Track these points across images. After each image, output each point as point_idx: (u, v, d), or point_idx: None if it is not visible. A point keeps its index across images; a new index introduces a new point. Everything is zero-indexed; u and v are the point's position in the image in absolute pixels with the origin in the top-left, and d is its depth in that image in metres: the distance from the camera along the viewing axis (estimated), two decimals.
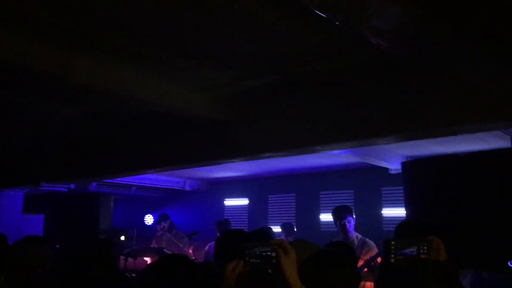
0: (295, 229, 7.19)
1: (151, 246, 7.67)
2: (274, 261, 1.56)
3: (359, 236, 5.26)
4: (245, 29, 3.07)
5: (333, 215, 5.32)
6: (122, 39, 3.29)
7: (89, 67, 3.55)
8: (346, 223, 5.13)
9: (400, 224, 2.60)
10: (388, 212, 7.23)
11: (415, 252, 1.79)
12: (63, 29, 3.12)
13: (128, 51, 3.49)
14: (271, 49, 3.42)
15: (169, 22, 3.02)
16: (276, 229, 7.04)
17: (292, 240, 6.64)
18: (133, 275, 5.72)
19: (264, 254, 1.57)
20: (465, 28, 2.81)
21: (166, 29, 3.12)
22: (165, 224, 7.90)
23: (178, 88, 4.18)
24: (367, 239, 5.24)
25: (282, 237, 6.75)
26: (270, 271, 1.66)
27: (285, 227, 6.88)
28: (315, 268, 1.81)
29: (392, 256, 1.75)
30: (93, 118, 5.23)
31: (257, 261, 1.56)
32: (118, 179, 7.88)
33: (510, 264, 3.29)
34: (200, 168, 7.02)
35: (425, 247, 1.81)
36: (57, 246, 7.13)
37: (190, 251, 7.43)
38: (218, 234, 6.59)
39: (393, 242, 1.77)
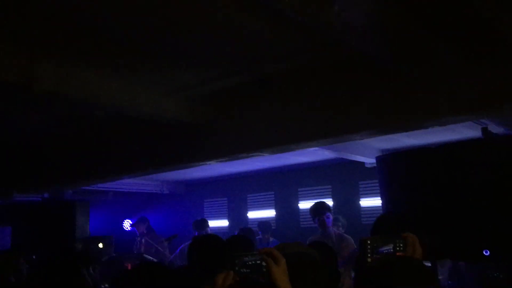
0: (273, 227, 7.19)
1: (132, 251, 7.57)
2: (264, 270, 1.54)
3: (336, 231, 5.32)
4: (214, 30, 3.03)
5: (311, 212, 5.35)
6: (88, 42, 3.21)
7: (53, 73, 3.45)
8: (325, 219, 5.17)
9: (378, 220, 2.58)
10: (366, 203, 7.28)
11: (391, 250, 1.78)
12: (24, 34, 3.03)
13: (94, 55, 3.42)
14: (241, 49, 3.39)
15: (137, 24, 2.96)
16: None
17: (269, 237, 6.67)
18: (106, 285, 5.57)
19: (254, 263, 1.54)
20: (433, 24, 2.83)
21: (134, 31, 3.06)
22: (143, 228, 7.81)
23: (148, 91, 4.12)
24: (345, 234, 5.29)
25: (260, 235, 6.74)
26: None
27: (261, 225, 6.87)
28: (296, 272, 1.79)
29: (369, 255, 1.74)
30: (63, 124, 5.12)
31: (247, 270, 1.54)
32: (95, 185, 7.75)
33: (485, 253, 3.34)
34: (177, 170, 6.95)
35: (401, 244, 1.80)
36: (33, 256, 6.97)
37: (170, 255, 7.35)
38: (196, 233, 6.57)
39: (369, 242, 1.75)
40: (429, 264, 3.87)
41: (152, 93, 4.13)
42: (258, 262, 1.54)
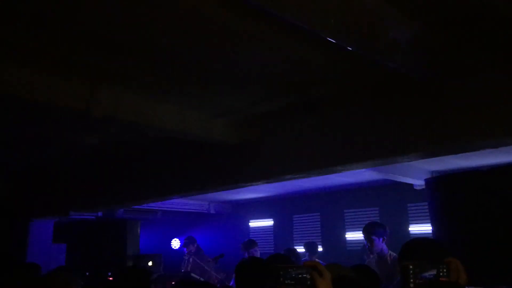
0: (320, 249, 7.12)
1: (180, 270, 7.71)
2: (309, 283, 1.56)
3: (393, 254, 4.91)
4: (261, 54, 3.12)
5: (363, 233, 5.14)
6: (141, 71, 3.40)
7: (110, 99, 3.66)
8: (373, 243, 4.97)
9: (407, 244, 2.42)
10: (416, 228, 7.10)
11: (434, 275, 1.76)
12: (83, 63, 3.24)
13: (147, 82, 3.60)
14: (288, 72, 3.46)
15: (187, 53, 3.11)
16: (302, 249, 6.98)
17: (315, 258, 6.60)
18: None
19: (299, 276, 1.57)
20: (479, 45, 2.81)
21: (183, 59, 3.21)
22: (192, 247, 7.95)
23: (197, 115, 4.26)
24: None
25: (306, 256, 6.69)
26: None
27: (308, 246, 6.83)
28: None
29: (411, 280, 1.73)
30: (117, 146, 5.36)
31: (292, 282, 1.57)
32: (144, 205, 7.99)
33: None
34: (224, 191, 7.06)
35: (445, 270, 1.78)
36: (87, 273, 7.23)
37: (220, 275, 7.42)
38: (245, 255, 6.60)
39: (411, 266, 1.74)
40: None
41: (201, 116, 4.27)
42: (304, 275, 1.57)
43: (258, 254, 6.97)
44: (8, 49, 3.02)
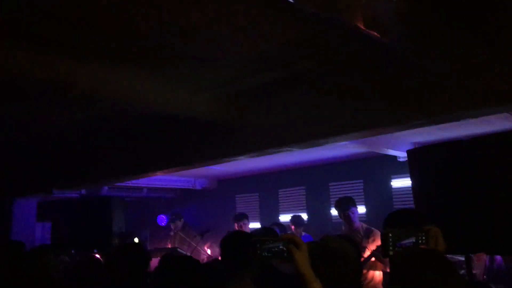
0: (305, 222, 7.21)
1: (168, 246, 7.74)
2: (285, 254, 1.58)
3: (364, 225, 5.30)
4: (242, 29, 3.08)
5: (336, 207, 5.35)
6: (122, 45, 3.33)
7: (90, 74, 3.59)
8: (350, 214, 5.16)
9: (389, 215, 2.48)
10: (399, 183, 7.16)
11: (413, 243, 1.79)
12: (63, 39, 3.16)
13: (128, 56, 3.53)
14: (269, 46, 3.43)
15: (166, 26, 3.05)
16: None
17: (301, 231, 6.69)
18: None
19: (275, 248, 1.58)
20: (459, 17, 2.80)
21: (165, 32, 3.15)
22: (179, 223, 7.95)
23: (180, 90, 4.21)
24: (373, 228, 5.25)
25: (292, 228, 6.79)
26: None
27: (294, 219, 6.91)
28: (317, 263, 1.82)
29: (391, 248, 1.75)
30: (98, 124, 5.29)
31: (268, 255, 1.58)
32: (129, 182, 7.95)
33: None
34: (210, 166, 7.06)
35: (423, 237, 1.81)
36: (73, 251, 7.22)
37: (206, 248, 7.48)
38: (235, 227, 6.68)
39: (390, 234, 1.77)
40: (462, 258, 3.83)
41: (183, 91, 4.22)
42: (280, 247, 1.58)
43: (247, 227, 7.06)
44: None
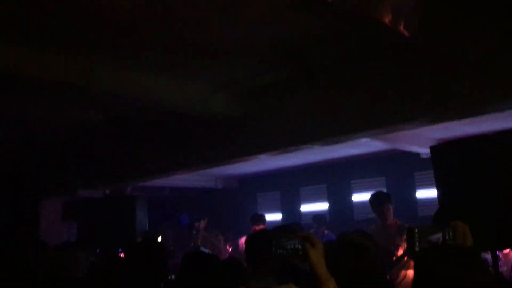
0: (327, 220, 7.15)
1: (189, 245, 7.77)
2: (301, 253, 1.57)
3: (398, 222, 4.99)
4: (261, 25, 3.08)
5: (371, 202, 5.13)
6: (141, 46, 3.37)
7: (110, 74, 3.64)
8: (385, 211, 4.96)
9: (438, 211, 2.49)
10: (423, 194, 7.07)
11: (441, 239, 1.75)
12: (83, 40, 3.21)
13: (147, 57, 3.57)
14: (287, 41, 3.42)
15: (186, 25, 3.06)
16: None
17: (324, 230, 6.63)
18: (173, 276, 5.79)
19: (291, 246, 1.58)
20: (489, 11, 2.74)
21: (182, 32, 3.17)
22: (203, 222, 7.93)
23: (198, 88, 4.23)
24: (407, 225, 5.02)
25: (314, 228, 6.74)
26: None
27: (316, 218, 6.86)
28: (332, 260, 1.81)
29: (417, 244, 1.72)
30: (121, 123, 5.36)
31: (284, 252, 1.57)
32: (152, 182, 8.02)
33: None
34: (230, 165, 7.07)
35: (450, 233, 1.77)
36: (98, 250, 7.34)
37: (228, 247, 7.49)
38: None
39: (416, 230, 1.73)
40: (489, 256, 3.74)
41: (202, 89, 4.24)
42: (296, 246, 1.57)
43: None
44: (4, 28, 3.00)
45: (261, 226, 6.73)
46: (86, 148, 6.58)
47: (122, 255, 6.39)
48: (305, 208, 8.65)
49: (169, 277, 4.86)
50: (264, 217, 7.07)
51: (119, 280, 2.86)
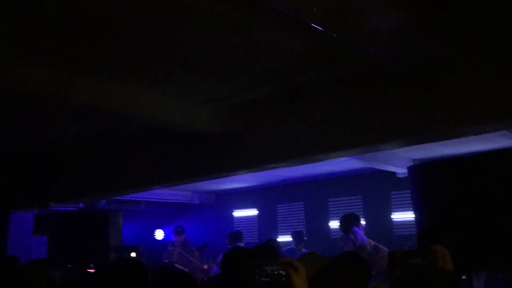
0: (305, 238, 7.14)
1: (165, 261, 7.63)
2: (284, 279, 1.55)
3: (372, 242, 5.02)
4: (243, 42, 3.09)
5: (340, 229, 5.19)
6: (122, 59, 3.33)
7: (89, 87, 3.58)
8: (351, 236, 5.00)
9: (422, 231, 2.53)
10: (398, 216, 7.17)
11: (421, 263, 1.76)
12: (63, 52, 3.16)
13: (128, 70, 3.53)
14: (269, 60, 3.43)
15: (168, 40, 3.05)
16: (286, 238, 7.00)
17: (302, 248, 6.63)
18: None
19: (274, 272, 1.56)
20: (462, 33, 2.81)
21: (164, 47, 3.15)
22: (181, 237, 7.75)
23: (179, 103, 4.20)
24: (381, 246, 5.06)
25: (292, 245, 6.72)
26: None
27: (295, 235, 6.85)
28: (326, 284, 1.80)
29: (398, 268, 1.73)
30: (97, 136, 5.27)
31: (267, 279, 1.55)
32: (127, 195, 7.90)
33: None
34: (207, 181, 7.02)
35: (431, 257, 1.79)
36: (69, 266, 7.15)
37: (205, 266, 7.37)
38: (230, 246, 6.57)
39: (398, 254, 1.75)
40: (464, 277, 3.78)
41: (183, 104, 4.21)
42: (278, 271, 1.55)
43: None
44: None
45: (241, 244, 6.66)
46: (60, 160, 6.44)
47: (92, 270, 6.24)
48: (282, 225, 8.63)
49: None
50: (241, 234, 7.02)
51: None
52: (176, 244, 7.70)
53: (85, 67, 3.42)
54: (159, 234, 9.99)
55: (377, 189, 7.41)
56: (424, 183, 3.84)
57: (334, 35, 2.69)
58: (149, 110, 4.00)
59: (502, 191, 3.29)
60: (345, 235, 5.05)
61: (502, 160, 3.45)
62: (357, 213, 6.45)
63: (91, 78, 3.56)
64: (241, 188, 8.83)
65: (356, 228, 4.97)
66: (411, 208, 4.54)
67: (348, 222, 5.02)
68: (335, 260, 2.24)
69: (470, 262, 3.30)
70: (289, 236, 7.08)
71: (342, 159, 5.22)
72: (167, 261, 7.52)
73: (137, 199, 8.63)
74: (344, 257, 2.71)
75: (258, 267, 1.55)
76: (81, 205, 8.02)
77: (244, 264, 1.56)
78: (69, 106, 3.44)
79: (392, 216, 7.24)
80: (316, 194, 8.16)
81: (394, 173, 6.65)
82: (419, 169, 4.16)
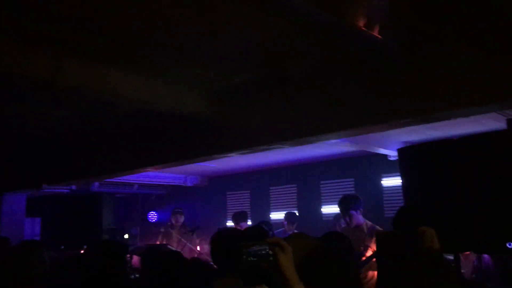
0: (299, 219, 7.20)
1: (157, 242, 7.66)
2: (271, 258, 1.57)
3: (369, 223, 5.06)
4: (233, 27, 3.06)
5: (339, 206, 5.16)
6: (110, 41, 3.30)
7: (77, 70, 3.55)
8: (347, 219, 5.01)
9: (399, 212, 2.57)
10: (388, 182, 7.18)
11: (409, 243, 1.79)
12: (50, 35, 3.13)
13: (116, 53, 3.50)
14: (259, 45, 3.41)
15: (156, 23, 3.02)
16: (280, 215, 7.04)
17: (294, 228, 6.68)
18: (137, 275, 5.71)
19: (262, 252, 1.58)
20: (453, 16, 2.80)
21: (153, 29, 3.12)
22: (181, 219, 7.70)
23: (169, 87, 4.18)
24: (377, 227, 5.08)
25: (285, 225, 6.78)
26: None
27: (287, 216, 6.91)
28: (312, 266, 1.82)
29: (385, 249, 1.75)
30: (89, 119, 5.25)
31: (254, 259, 1.57)
32: (120, 177, 7.90)
33: (509, 245, 3.28)
34: (201, 163, 7.03)
35: (418, 237, 1.81)
36: (62, 247, 7.18)
37: (197, 246, 7.42)
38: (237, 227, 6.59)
39: (384, 235, 1.77)
40: (451, 257, 3.83)
41: (172, 88, 4.19)
42: (266, 251, 1.57)
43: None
44: None
45: (243, 225, 6.69)
46: (52, 142, 6.42)
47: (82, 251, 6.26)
48: (275, 207, 8.67)
49: (133, 276, 4.79)
50: (246, 214, 7.06)
51: (81, 280, 2.81)
52: (177, 224, 7.61)
53: (72, 50, 3.39)
54: (152, 216, 10.04)
55: (369, 172, 7.44)
56: (413, 165, 3.85)
57: (324, 20, 2.66)
58: (137, 93, 3.98)
59: (491, 172, 3.31)
60: (346, 214, 5.00)
61: (492, 142, 3.46)
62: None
63: (78, 61, 3.53)
64: (234, 171, 8.85)
65: (353, 212, 4.98)
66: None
67: (347, 204, 5.02)
68: (318, 240, 2.25)
69: (457, 243, 3.35)
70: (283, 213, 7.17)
71: (334, 141, 5.22)
72: (164, 242, 7.50)
73: (130, 181, 8.64)
74: (327, 237, 2.75)
75: (246, 247, 1.57)
76: (73, 187, 8.02)
77: (232, 244, 1.57)
78: (56, 88, 3.41)
79: (382, 182, 7.27)
80: (309, 177, 8.20)
81: (386, 156, 6.68)
82: (408, 151, 4.16)
